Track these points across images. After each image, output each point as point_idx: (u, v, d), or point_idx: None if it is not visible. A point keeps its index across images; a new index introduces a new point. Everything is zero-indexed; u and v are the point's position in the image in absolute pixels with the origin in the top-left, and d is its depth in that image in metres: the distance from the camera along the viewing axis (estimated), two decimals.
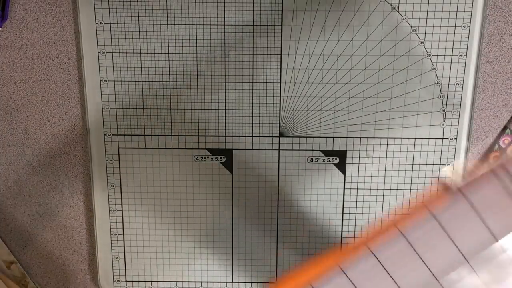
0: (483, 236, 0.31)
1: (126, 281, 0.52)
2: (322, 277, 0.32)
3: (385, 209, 0.49)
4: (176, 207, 0.50)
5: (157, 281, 0.52)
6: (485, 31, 0.45)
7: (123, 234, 0.51)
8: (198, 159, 0.49)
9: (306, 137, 0.48)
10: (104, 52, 0.46)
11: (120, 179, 0.49)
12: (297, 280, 0.33)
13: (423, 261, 0.32)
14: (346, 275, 0.32)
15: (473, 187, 0.31)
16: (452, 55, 0.46)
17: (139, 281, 0.52)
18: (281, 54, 0.46)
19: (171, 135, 0.48)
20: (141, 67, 0.46)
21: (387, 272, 0.32)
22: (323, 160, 0.48)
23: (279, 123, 0.48)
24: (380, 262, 0.32)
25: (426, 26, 0.45)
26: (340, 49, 0.46)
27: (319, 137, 0.48)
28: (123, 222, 0.50)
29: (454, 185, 0.32)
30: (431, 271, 0.32)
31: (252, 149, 0.48)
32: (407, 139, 0.48)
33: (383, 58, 0.46)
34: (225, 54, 0.46)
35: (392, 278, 0.32)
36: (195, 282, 0.52)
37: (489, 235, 0.31)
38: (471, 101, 0.47)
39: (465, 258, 0.31)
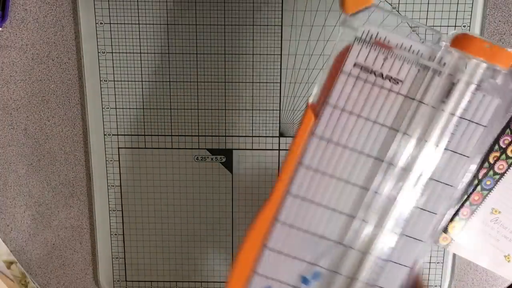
0: (373, 130, 0.31)
1: (126, 281, 0.52)
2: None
3: None
4: (176, 207, 0.50)
5: (157, 281, 0.52)
6: (485, 31, 0.45)
7: (123, 234, 0.51)
8: (198, 159, 0.49)
9: None
10: (104, 52, 0.46)
11: (120, 179, 0.49)
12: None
13: (334, 177, 0.32)
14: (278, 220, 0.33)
15: (331, 93, 0.31)
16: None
17: (139, 281, 0.52)
18: (281, 54, 0.46)
19: (171, 135, 0.48)
20: (141, 67, 0.46)
21: (311, 201, 0.32)
22: None
23: (279, 123, 0.48)
24: (298, 197, 0.32)
25: (426, 26, 0.45)
26: None
27: None
28: (123, 222, 0.50)
29: (316, 100, 0.32)
30: (354, 183, 0.32)
31: (252, 149, 0.48)
32: None
33: None
34: (225, 54, 0.46)
35: (316, 203, 0.32)
36: (195, 282, 0.52)
37: (378, 126, 0.31)
38: None
39: (374, 157, 0.31)
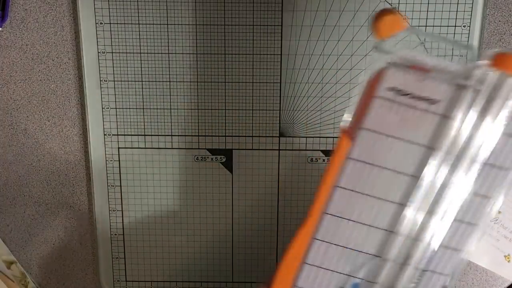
0: (410, 150, 0.31)
1: (126, 281, 0.52)
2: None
3: None
4: (176, 207, 0.50)
5: (157, 281, 0.52)
6: (485, 31, 0.45)
7: (123, 234, 0.51)
8: (198, 159, 0.49)
9: (306, 137, 0.48)
10: (104, 52, 0.46)
11: (120, 179, 0.49)
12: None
13: (371, 196, 0.32)
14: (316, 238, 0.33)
15: (365, 118, 0.30)
16: (452, 55, 0.46)
17: (139, 281, 0.52)
18: (281, 54, 0.46)
19: (171, 135, 0.48)
20: (141, 67, 0.46)
21: (348, 219, 0.32)
22: (323, 160, 0.48)
23: (279, 123, 0.48)
24: (335, 216, 0.32)
25: (426, 26, 0.45)
26: (340, 49, 0.46)
27: (319, 137, 0.48)
28: (123, 222, 0.50)
29: (349, 125, 0.31)
30: (393, 201, 0.31)
31: (252, 149, 0.48)
32: None
33: None
34: (225, 54, 0.46)
35: (353, 220, 0.32)
36: (195, 282, 0.52)
37: (414, 146, 0.30)
38: None
39: (410, 175, 0.31)
